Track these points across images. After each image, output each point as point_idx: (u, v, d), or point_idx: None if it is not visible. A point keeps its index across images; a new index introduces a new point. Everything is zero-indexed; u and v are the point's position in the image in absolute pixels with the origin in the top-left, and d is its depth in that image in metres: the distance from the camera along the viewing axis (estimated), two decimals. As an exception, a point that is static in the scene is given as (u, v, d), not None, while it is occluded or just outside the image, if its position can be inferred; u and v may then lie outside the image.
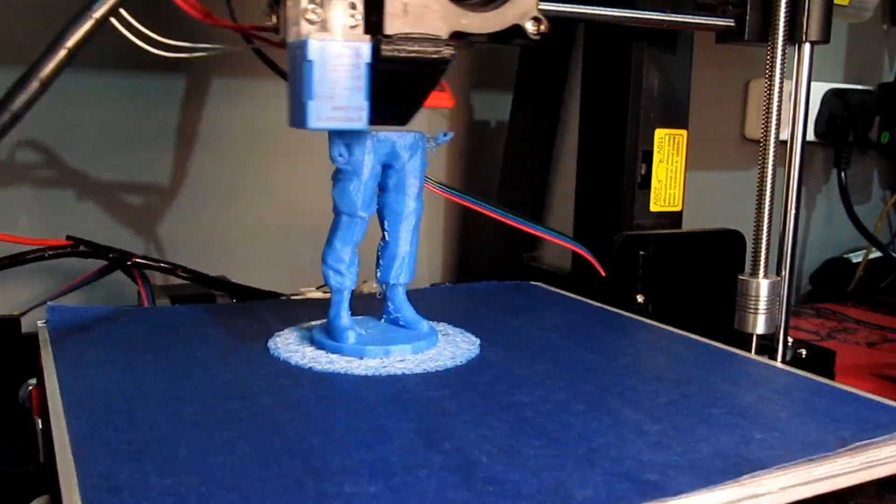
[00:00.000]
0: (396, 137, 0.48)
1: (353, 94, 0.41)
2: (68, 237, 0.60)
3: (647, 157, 0.71)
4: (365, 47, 0.42)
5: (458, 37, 0.44)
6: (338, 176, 0.47)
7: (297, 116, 0.42)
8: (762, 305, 0.58)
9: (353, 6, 0.41)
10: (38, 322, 0.52)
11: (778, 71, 0.57)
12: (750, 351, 0.58)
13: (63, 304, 0.55)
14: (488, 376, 0.45)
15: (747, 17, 0.59)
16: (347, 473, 0.32)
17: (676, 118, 0.72)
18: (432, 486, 0.32)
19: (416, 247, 0.50)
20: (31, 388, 0.45)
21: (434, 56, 0.43)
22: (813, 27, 0.57)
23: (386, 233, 0.49)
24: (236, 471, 0.32)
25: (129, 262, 0.62)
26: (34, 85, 0.38)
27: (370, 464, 0.33)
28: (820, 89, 1.03)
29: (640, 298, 0.67)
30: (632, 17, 0.61)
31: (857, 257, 1.12)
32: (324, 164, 0.47)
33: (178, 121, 0.75)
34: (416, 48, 0.43)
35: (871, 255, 1.11)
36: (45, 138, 0.69)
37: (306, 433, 0.36)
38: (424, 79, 0.45)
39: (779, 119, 0.57)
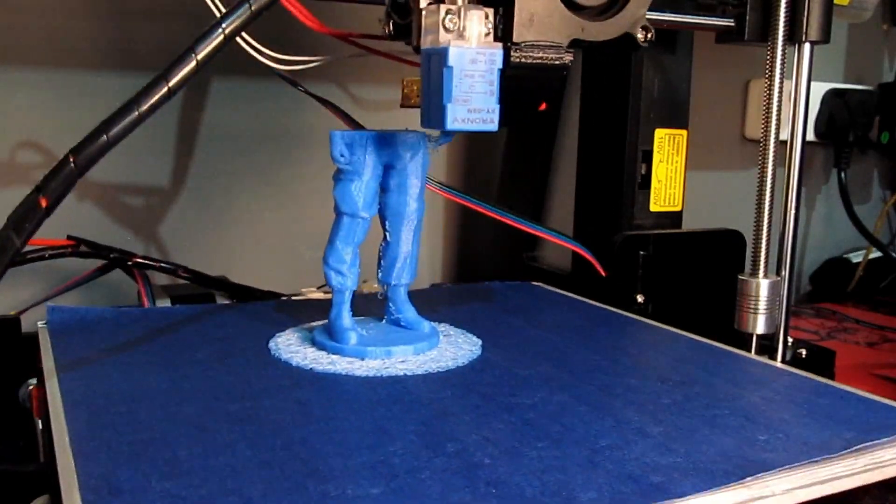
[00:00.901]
0: (397, 138, 0.48)
1: (486, 98, 0.43)
2: (69, 237, 0.60)
3: (647, 157, 0.71)
4: (498, 54, 0.44)
5: (575, 44, 0.47)
6: (339, 176, 0.47)
7: (434, 118, 0.44)
8: (762, 305, 0.58)
9: (486, 16, 0.44)
10: (39, 322, 0.52)
11: (778, 71, 0.57)
12: (750, 351, 0.58)
13: (63, 305, 0.55)
14: (490, 377, 0.45)
15: (747, 17, 0.59)
16: (349, 475, 0.32)
17: (676, 118, 0.72)
18: (435, 488, 0.32)
19: (417, 247, 0.50)
20: (31, 388, 0.45)
21: (556, 62, 0.47)
22: (813, 27, 0.57)
23: (387, 233, 0.49)
24: (237, 473, 0.32)
25: (129, 262, 0.62)
26: (163, 90, 0.40)
27: (372, 466, 0.33)
28: (820, 89, 1.03)
29: (640, 298, 0.67)
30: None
31: (857, 257, 1.12)
32: (325, 164, 0.47)
33: (179, 121, 0.75)
34: (541, 55, 0.46)
35: (871, 255, 1.11)
36: (45, 138, 0.69)
37: (307, 435, 0.36)
38: (546, 83, 0.48)
39: (779, 119, 0.57)
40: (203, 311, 0.57)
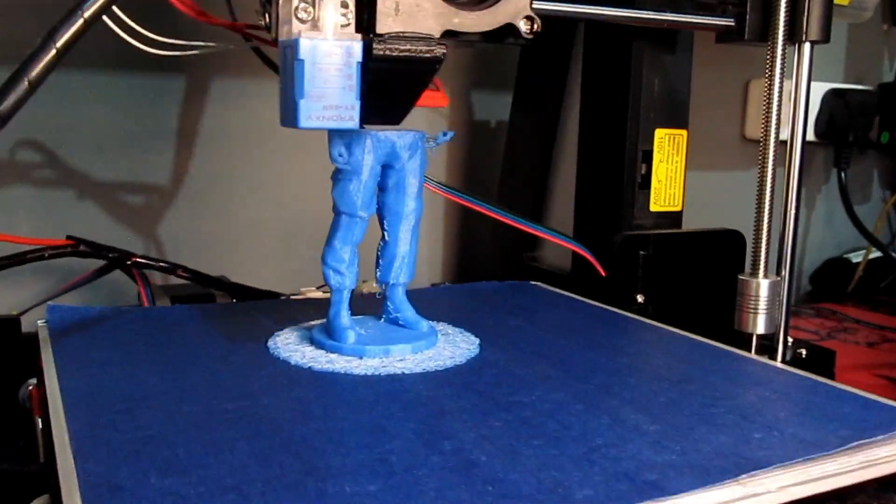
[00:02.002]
0: (396, 137, 0.48)
1: (344, 94, 0.41)
2: (68, 237, 0.60)
3: (647, 157, 0.71)
4: (356, 46, 0.42)
5: (450, 35, 0.44)
6: (338, 176, 0.47)
7: (289, 116, 0.42)
8: (762, 305, 0.58)
9: (344, 5, 0.41)
10: (39, 322, 0.52)
11: (778, 71, 0.57)
12: (750, 351, 0.58)
13: (63, 304, 0.55)
14: (488, 376, 0.45)
15: (747, 17, 0.59)
16: (347, 473, 0.32)
17: (676, 118, 0.72)
18: (432, 485, 0.32)
19: (415, 247, 0.50)
20: (31, 387, 0.45)
21: (426, 55, 0.43)
22: (813, 27, 0.57)
23: (386, 232, 0.49)
24: (236, 470, 0.32)
25: (128, 262, 0.62)
26: (23, 85, 0.38)
27: (370, 463, 0.33)
28: (820, 89, 1.03)
29: (640, 298, 0.67)
30: (632, 17, 0.61)
31: (857, 257, 1.12)
32: (324, 164, 0.47)
33: (178, 121, 0.75)
34: (408, 47, 0.43)
35: (871, 255, 1.11)
36: (45, 138, 0.69)
37: (306, 433, 0.36)
38: (417, 78, 0.46)
39: (779, 119, 0.57)
40: (202, 311, 0.57)
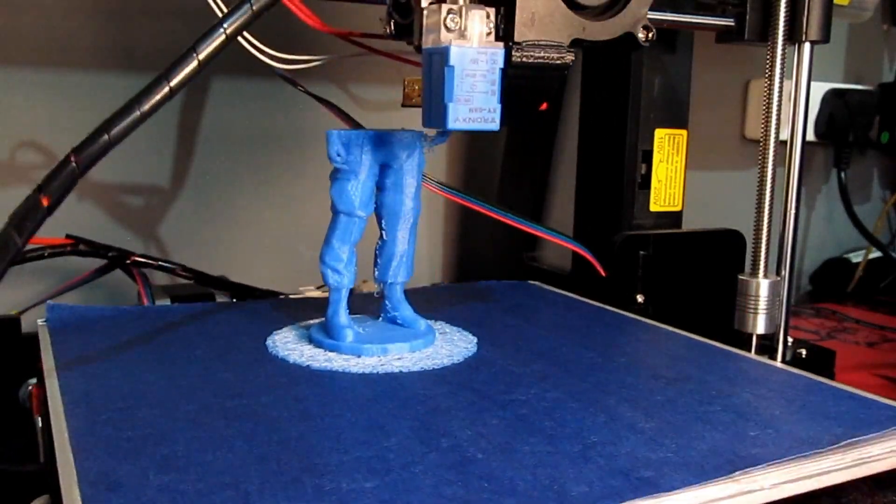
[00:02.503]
0: (394, 137, 0.48)
1: (487, 98, 0.43)
2: (68, 236, 0.61)
3: (647, 157, 0.71)
4: (500, 54, 0.44)
5: (576, 44, 0.47)
6: (336, 175, 0.48)
7: (436, 117, 0.44)
8: (762, 305, 0.58)
9: (487, 16, 0.44)
10: (38, 320, 0.52)
11: (778, 71, 0.57)
12: (750, 351, 0.58)
13: (63, 303, 0.55)
14: (485, 374, 0.45)
15: (747, 17, 0.59)
16: (344, 470, 0.33)
17: (676, 118, 0.72)
18: (428, 482, 0.32)
19: (413, 246, 0.50)
20: (31, 387, 0.45)
21: (557, 62, 0.47)
22: (813, 27, 0.57)
23: (384, 232, 0.50)
24: (234, 468, 0.33)
25: (128, 261, 0.62)
26: (165, 90, 0.40)
27: (367, 461, 0.34)
28: (820, 89, 1.04)
29: (640, 298, 0.67)
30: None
31: (857, 257, 1.12)
32: (323, 164, 0.48)
33: (179, 121, 0.75)
34: (542, 54, 0.46)
35: (871, 255, 1.11)
36: (45, 138, 0.69)
37: (304, 431, 0.37)
38: (548, 83, 0.48)
39: (779, 119, 0.57)
40: (201, 310, 0.57)
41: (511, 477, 0.32)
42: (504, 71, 0.44)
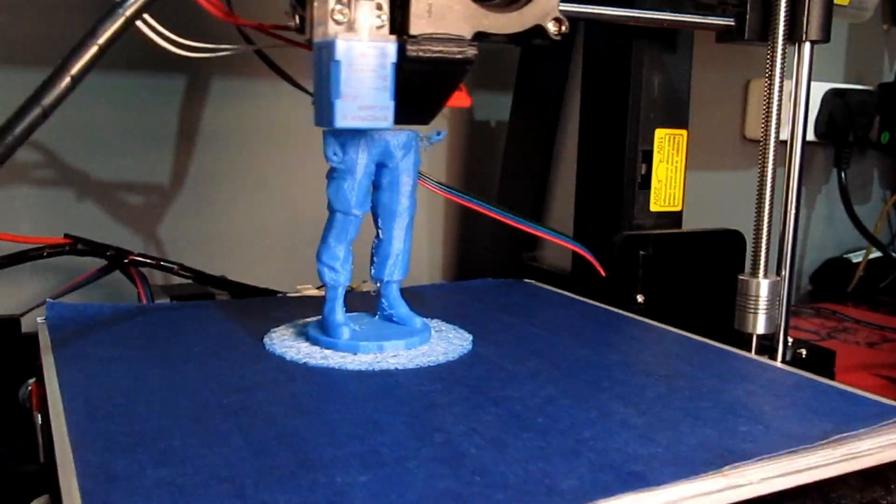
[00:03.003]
0: (390, 136, 0.48)
1: (378, 94, 0.42)
2: (66, 235, 0.61)
3: (647, 157, 0.71)
4: (391, 47, 0.42)
5: (480, 37, 0.45)
6: (332, 175, 0.48)
7: (324, 115, 0.43)
8: (762, 305, 0.59)
9: (379, 7, 0.42)
10: (38, 318, 0.53)
11: (778, 71, 0.57)
12: (750, 351, 0.58)
13: (62, 301, 0.56)
14: (479, 371, 0.45)
15: (747, 17, 0.59)
16: (339, 464, 0.33)
17: (676, 118, 0.72)
18: (421, 476, 0.32)
19: (409, 244, 0.50)
20: (30, 386, 0.45)
21: (458, 56, 0.44)
22: (813, 26, 0.57)
23: (380, 230, 0.50)
24: (230, 462, 0.33)
25: (126, 260, 0.62)
26: (66, 81, 0.39)
27: (361, 455, 0.34)
28: (820, 89, 1.04)
29: (640, 298, 0.67)
30: (632, 17, 0.61)
31: (857, 257, 1.12)
32: (321, 164, 0.48)
33: (178, 121, 0.76)
34: (440, 48, 0.44)
35: (871, 255, 1.11)
36: (45, 138, 0.70)
37: (300, 426, 0.37)
38: (448, 78, 0.46)
39: (779, 119, 0.58)
40: (199, 308, 0.58)
41: (503, 471, 0.33)
42: (399, 66, 0.43)
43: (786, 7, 0.57)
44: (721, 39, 0.63)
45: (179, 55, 0.47)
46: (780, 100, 0.57)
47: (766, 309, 0.59)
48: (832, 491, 0.35)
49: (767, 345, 0.60)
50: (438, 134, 0.49)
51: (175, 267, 0.64)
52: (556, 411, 0.39)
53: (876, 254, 1.11)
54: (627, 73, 0.70)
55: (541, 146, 0.81)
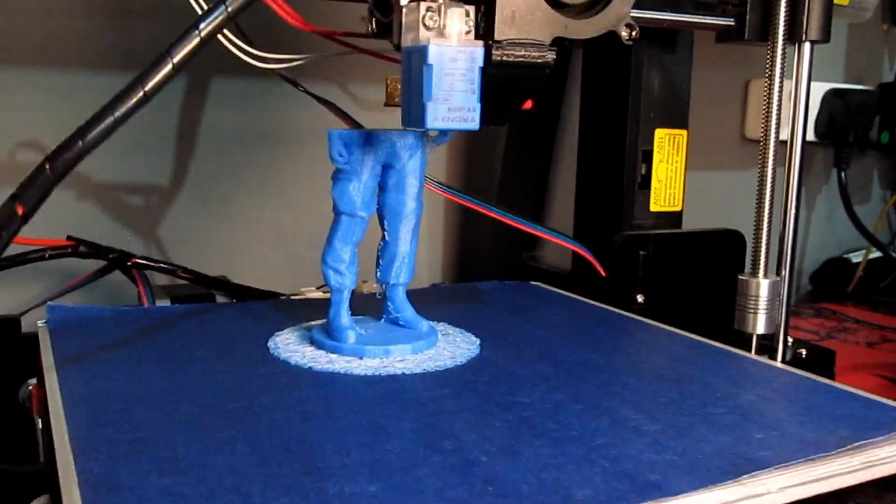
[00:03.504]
0: (396, 137, 0.48)
1: (466, 97, 0.43)
2: (69, 237, 0.60)
3: (647, 157, 0.71)
4: (479, 52, 0.43)
5: (558, 42, 0.46)
6: (338, 176, 0.48)
7: (414, 117, 0.43)
8: (762, 305, 0.58)
9: (467, 13, 0.43)
10: (38, 322, 0.52)
11: (778, 71, 0.57)
12: (750, 351, 0.58)
13: (63, 304, 0.55)
14: (488, 376, 0.45)
15: (747, 17, 0.59)
16: (347, 473, 0.32)
17: (676, 118, 0.72)
18: (432, 485, 0.32)
19: (415, 246, 0.50)
20: (31, 387, 0.45)
21: (539, 60, 0.46)
22: (813, 26, 0.57)
23: (386, 232, 0.49)
24: (236, 470, 0.32)
25: (129, 263, 0.62)
26: (139, 95, 0.40)
27: (370, 463, 0.33)
28: (820, 89, 1.04)
29: (640, 298, 0.67)
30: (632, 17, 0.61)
31: (857, 257, 1.13)
32: (325, 165, 0.47)
33: (178, 121, 0.75)
34: (523, 53, 0.45)
35: (871, 255, 1.11)
36: (45, 138, 0.69)
37: (306, 433, 0.36)
38: (529, 82, 0.48)
39: (779, 119, 0.57)
40: (202, 310, 0.57)
41: (515, 480, 0.32)
42: (484, 70, 0.44)
43: (786, 7, 0.57)
44: (721, 39, 0.63)
45: (257, 66, 0.51)
46: (780, 100, 0.57)
47: (766, 309, 0.59)
48: (850, 499, 0.35)
49: (767, 345, 0.60)
50: (444, 135, 0.49)
51: (176, 269, 0.63)
52: (567, 417, 0.39)
53: (876, 254, 1.11)
54: (627, 73, 0.70)
55: (541, 146, 0.81)
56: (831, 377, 0.58)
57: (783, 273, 0.60)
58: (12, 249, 0.58)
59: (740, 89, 1.05)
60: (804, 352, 0.63)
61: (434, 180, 0.56)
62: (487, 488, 0.32)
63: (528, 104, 0.50)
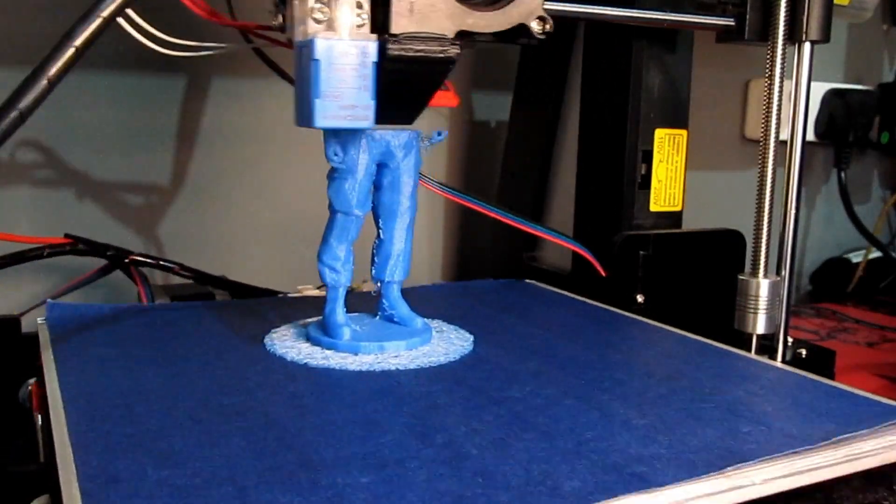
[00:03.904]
0: (391, 136, 0.48)
1: (359, 93, 0.42)
2: (66, 235, 0.61)
3: (647, 157, 0.71)
4: (371, 46, 0.42)
5: (463, 36, 0.44)
6: (333, 175, 0.48)
7: (304, 115, 0.42)
8: (762, 305, 0.58)
9: (359, 5, 0.42)
10: (38, 319, 0.53)
11: (778, 71, 0.57)
12: (750, 351, 0.58)
13: (62, 302, 0.55)
14: (481, 372, 0.45)
15: (747, 17, 0.59)
16: (340, 465, 0.33)
17: (676, 118, 0.72)
18: (422, 477, 0.32)
19: (410, 244, 0.50)
20: (30, 386, 0.45)
21: (440, 55, 0.44)
22: (813, 26, 0.57)
23: (381, 231, 0.50)
24: (231, 463, 0.33)
25: (126, 261, 0.62)
26: (42, 84, 0.38)
27: (363, 456, 0.34)
28: (820, 89, 1.04)
29: (640, 298, 0.67)
30: (632, 17, 0.61)
31: (857, 257, 1.12)
32: (321, 164, 0.48)
33: (178, 121, 0.75)
34: (422, 47, 0.43)
35: (871, 255, 1.11)
36: (45, 138, 0.69)
37: (301, 427, 0.37)
38: (431, 78, 0.46)
39: (779, 119, 0.57)
40: (200, 308, 0.58)
41: (504, 472, 0.33)
42: (379, 65, 0.42)
43: (786, 7, 0.57)
44: (721, 39, 0.63)
45: (164, 54, 0.47)
46: (780, 100, 0.57)
47: (766, 309, 0.59)
48: (834, 492, 0.35)
49: (767, 345, 0.60)
50: (440, 134, 0.49)
51: (175, 267, 0.64)
52: (557, 412, 0.39)
53: (876, 254, 1.11)
54: (627, 73, 0.70)
55: (541, 146, 0.81)
56: (831, 377, 0.58)
57: (783, 273, 0.60)
58: (10, 248, 0.59)
59: (740, 89, 1.05)
60: (804, 352, 0.63)
61: (434, 180, 0.56)
62: (477, 480, 0.32)
63: (453, 103, 0.48)
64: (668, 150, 0.72)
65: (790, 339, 0.62)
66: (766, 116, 0.58)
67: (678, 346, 0.52)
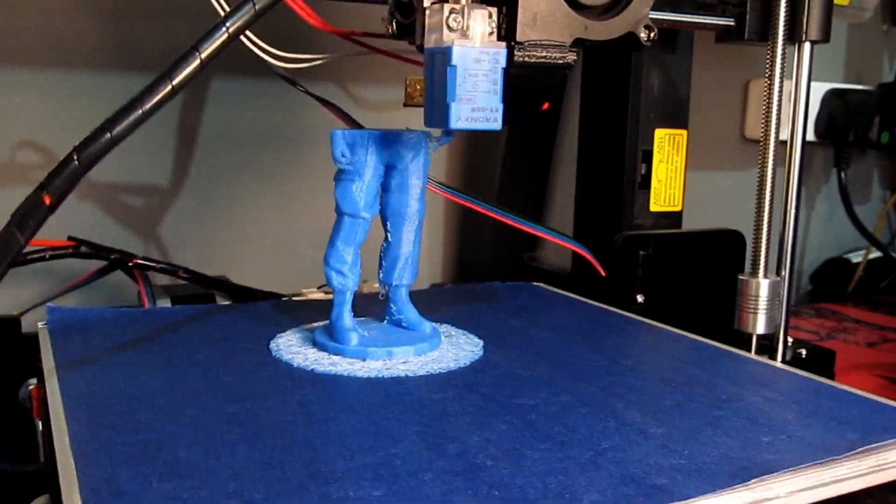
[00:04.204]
0: (399, 138, 0.47)
1: (490, 97, 0.44)
2: (70, 238, 0.60)
3: (647, 157, 0.71)
4: (502, 53, 0.44)
5: (578, 43, 0.47)
6: (340, 176, 0.47)
7: (438, 117, 0.44)
8: (762, 305, 0.58)
9: (490, 15, 0.44)
10: (39, 323, 0.52)
11: (778, 71, 0.57)
12: (750, 351, 0.58)
13: (63, 305, 0.55)
14: (492, 378, 0.44)
15: (747, 17, 0.59)
16: (351, 477, 0.32)
17: (676, 118, 0.72)
18: (437, 490, 0.31)
19: (418, 248, 0.50)
20: (31, 388, 0.45)
21: (560, 61, 0.47)
22: (813, 26, 0.57)
23: (388, 233, 0.49)
24: (238, 474, 0.32)
25: (129, 264, 0.62)
26: (167, 88, 0.40)
27: (374, 467, 0.33)
28: (820, 89, 1.04)
29: (640, 298, 0.67)
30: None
31: (857, 257, 1.13)
32: (323, 165, 0.47)
33: (178, 121, 0.75)
34: (544, 54, 0.46)
35: (871, 255, 1.11)
36: (45, 138, 0.69)
37: (309, 436, 0.36)
38: (549, 82, 0.48)
39: (779, 119, 0.57)
40: (203, 312, 0.57)
41: (521, 484, 0.32)
42: (506, 70, 0.44)
43: (786, 7, 0.57)
44: (721, 39, 0.63)
45: (277, 66, 0.52)
46: (780, 100, 0.57)
47: (766, 309, 0.58)
48: (858, 502, 0.35)
49: (767, 345, 0.60)
50: (448, 135, 0.48)
51: (177, 270, 0.63)
52: (572, 420, 0.38)
53: (876, 254, 1.11)
54: (627, 73, 0.70)
55: (541, 146, 0.80)
56: (831, 377, 0.58)
57: (783, 273, 0.60)
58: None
59: (740, 89, 1.05)
60: (804, 352, 0.63)
61: (434, 180, 0.56)
62: (493, 493, 0.31)
63: (545, 105, 0.50)
64: (668, 150, 0.72)
65: (790, 339, 0.62)
66: (766, 116, 0.57)
67: (691, 351, 0.51)
